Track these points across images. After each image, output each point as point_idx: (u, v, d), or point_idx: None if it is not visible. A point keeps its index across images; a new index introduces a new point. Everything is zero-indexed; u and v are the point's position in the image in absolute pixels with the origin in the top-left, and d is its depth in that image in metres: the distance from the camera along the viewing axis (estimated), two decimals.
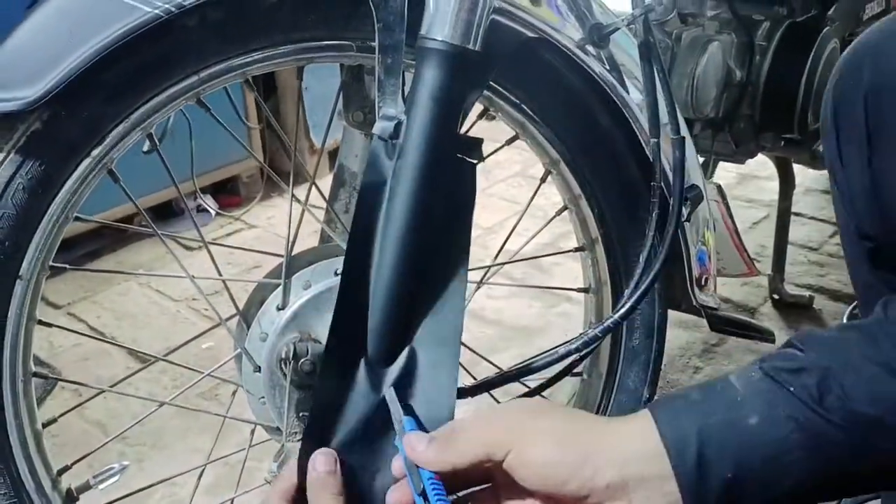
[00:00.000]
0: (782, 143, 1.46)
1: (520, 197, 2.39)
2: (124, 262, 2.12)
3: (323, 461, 0.64)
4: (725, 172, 2.33)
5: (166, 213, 2.30)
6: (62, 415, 0.87)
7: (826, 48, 1.39)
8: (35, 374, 0.83)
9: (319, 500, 0.62)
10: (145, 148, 1.32)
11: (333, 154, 1.56)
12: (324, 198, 0.97)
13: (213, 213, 2.33)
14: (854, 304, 1.77)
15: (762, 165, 2.37)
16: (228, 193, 2.47)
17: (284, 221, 2.54)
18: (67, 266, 0.83)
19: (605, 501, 0.57)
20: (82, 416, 1.57)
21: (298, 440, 0.86)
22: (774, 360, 0.61)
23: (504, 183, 2.49)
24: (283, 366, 0.85)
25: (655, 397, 1.09)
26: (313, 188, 0.93)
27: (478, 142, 0.82)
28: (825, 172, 2.19)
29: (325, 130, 0.91)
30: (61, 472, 0.87)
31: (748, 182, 2.36)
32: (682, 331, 1.70)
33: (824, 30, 1.39)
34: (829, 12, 1.46)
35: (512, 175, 2.54)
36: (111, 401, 1.61)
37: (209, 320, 1.88)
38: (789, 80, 1.38)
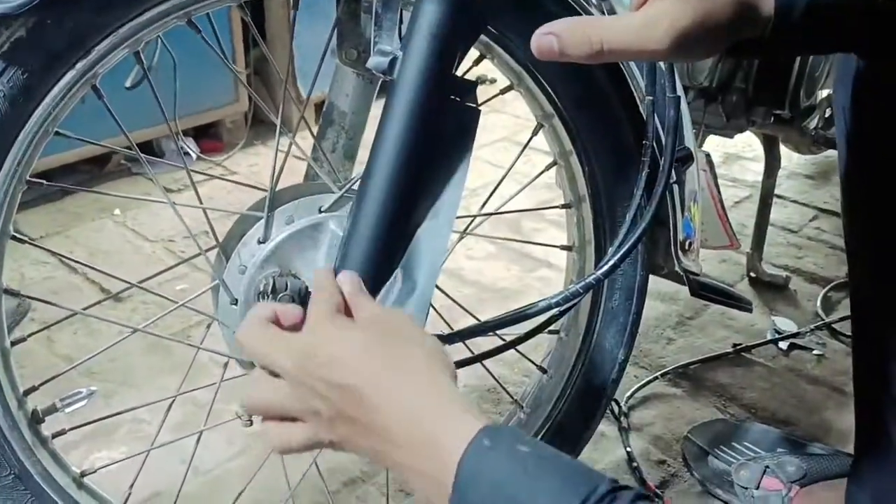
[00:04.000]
0: (772, 119, 1.46)
1: (505, 161, 2.38)
2: (101, 199, 2.09)
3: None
4: (712, 151, 2.34)
5: (145, 153, 2.26)
6: (31, 334, 0.85)
7: None
8: (6, 291, 0.81)
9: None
10: (128, 83, 1.29)
11: (319, 107, 1.53)
12: (312, 135, 0.95)
13: (194, 156, 2.29)
14: (829, 286, 1.79)
15: (747, 147, 2.38)
16: (211, 138, 2.43)
17: (266, 169, 2.50)
18: (44, 182, 0.81)
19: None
20: (50, 349, 1.55)
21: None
22: None
23: (490, 147, 2.47)
24: (260, 299, 0.84)
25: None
26: (302, 130, 0.92)
27: (472, 84, 0.81)
28: (810, 157, 2.21)
29: (312, 79, 0.90)
30: (28, 392, 0.85)
31: (733, 162, 2.37)
32: (658, 302, 1.71)
33: None
34: None
35: (499, 139, 2.53)
36: (81, 336, 1.59)
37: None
38: None
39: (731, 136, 1.52)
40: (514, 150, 2.47)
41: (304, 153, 0.93)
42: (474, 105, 0.81)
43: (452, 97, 0.79)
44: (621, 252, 0.87)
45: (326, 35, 0.91)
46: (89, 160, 2.18)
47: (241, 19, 2.30)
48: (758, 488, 1.23)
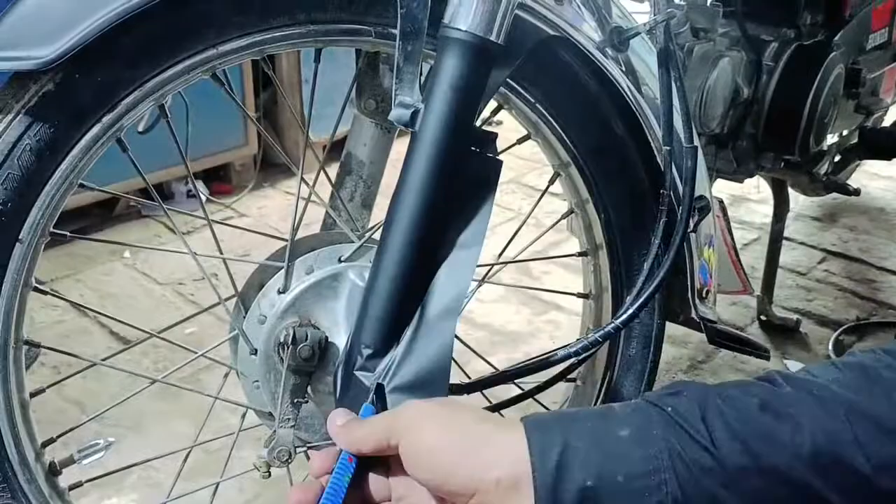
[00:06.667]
0: (782, 164, 1.47)
1: (512, 203, 2.39)
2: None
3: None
4: (717, 193, 2.35)
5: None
6: (50, 386, 0.85)
7: (831, 73, 1.40)
8: (26, 342, 0.81)
9: None
10: (141, 128, 1.30)
11: (323, 149, 1.54)
12: (331, 182, 0.96)
13: (204, 199, 2.31)
14: (840, 329, 1.78)
15: (754, 189, 2.39)
16: (220, 181, 2.45)
17: (275, 211, 2.51)
18: (68, 234, 0.81)
19: (493, 501, 0.55)
20: (60, 393, 1.55)
21: (291, 426, 0.84)
22: (658, 392, 0.60)
23: (498, 189, 2.48)
24: (280, 350, 0.84)
25: None
26: (320, 175, 0.92)
27: (492, 136, 0.82)
28: (817, 199, 2.22)
29: (309, 121, 0.91)
30: (45, 444, 0.85)
31: (740, 204, 2.38)
32: (668, 346, 1.70)
33: (830, 55, 1.40)
34: (836, 38, 1.47)
35: (505, 181, 2.54)
36: (89, 380, 1.59)
37: (194, 304, 1.86)
38: (794, 101, 1.39)
39: (740, 181, 1.53)
40: (520, 191, 2.48)
41: (323, 201, 0.94)
42: (495, 155, 0.82)
43: (473, 148, 0.80)
44: (639, 301, 0.87)
45: (335, 80, 0.92)
46: (99, 203, 2.19)
47: (252, 64, 2.34)
48: None
